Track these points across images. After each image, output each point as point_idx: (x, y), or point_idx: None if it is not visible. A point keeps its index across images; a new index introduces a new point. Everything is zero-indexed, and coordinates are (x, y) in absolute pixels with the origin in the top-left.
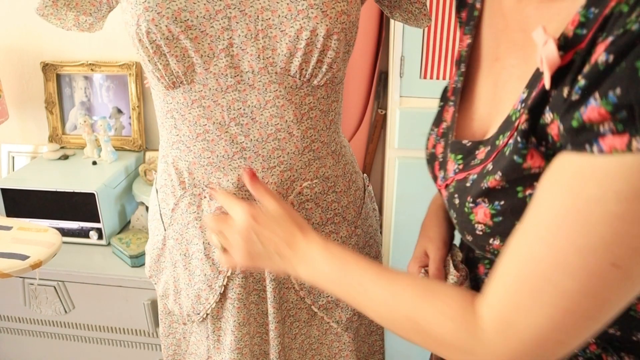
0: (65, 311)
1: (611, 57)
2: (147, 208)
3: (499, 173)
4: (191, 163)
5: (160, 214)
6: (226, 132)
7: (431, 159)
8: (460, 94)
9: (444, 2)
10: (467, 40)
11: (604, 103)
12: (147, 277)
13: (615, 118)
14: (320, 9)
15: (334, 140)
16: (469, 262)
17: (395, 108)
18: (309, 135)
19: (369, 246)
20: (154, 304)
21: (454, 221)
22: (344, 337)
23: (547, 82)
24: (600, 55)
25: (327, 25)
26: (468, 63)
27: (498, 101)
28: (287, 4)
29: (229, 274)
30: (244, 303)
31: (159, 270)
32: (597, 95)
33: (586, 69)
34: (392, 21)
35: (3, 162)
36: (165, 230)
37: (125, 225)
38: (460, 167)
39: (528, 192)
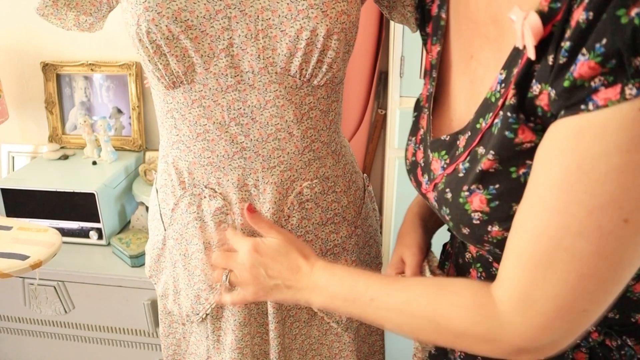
0: (65, 311)
1: (591, 14)
2: (147, 208)
3: (492, 152)
4: (191, 163)
5: (160, 214)
6: (226, 132)
7: (413, 167)
8: (433, 99)
9: None
10: (437, 48)
11: (592, 56)
12: (147, 277)
13: (605, 69)
14: (320, 9)
15: (334, 140)
16: (459, 269)
17: (395, 108)
18: (309, 135)
19: (369, 246)
20: (154, 304)
21: (447, 218)
22: (344, 337)
23: (531, 53)
24: (579, 15)
25: (327, 25)
26: (439, 70)
27: (477, 96)
28: (287, 4)
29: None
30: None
31: (159, 270)
32: (584, 50)
33: (568, 33)
34: (392, 21)
35: (3, 162)
36: (165, 230)
37: (125, 225)
38: (447, 161)
39: (522, 171)
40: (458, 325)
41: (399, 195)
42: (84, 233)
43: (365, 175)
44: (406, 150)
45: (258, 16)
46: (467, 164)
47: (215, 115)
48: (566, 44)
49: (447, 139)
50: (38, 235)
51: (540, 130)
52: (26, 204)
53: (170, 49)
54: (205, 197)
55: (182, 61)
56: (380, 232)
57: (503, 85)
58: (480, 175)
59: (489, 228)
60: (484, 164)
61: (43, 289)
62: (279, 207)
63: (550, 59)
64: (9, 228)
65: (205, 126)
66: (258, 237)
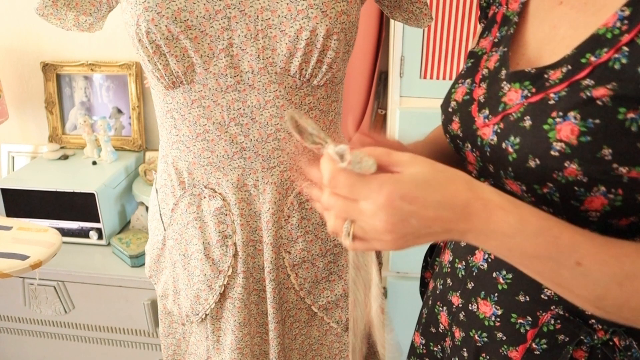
0: (65, 311)
1: None
2: (147, 208)
3: (613, 83)
4: (191, 163)
5: (160, 214)
6: (226, 132)
7: (464, 105)
8: (510, 40)
9: (444, 2)
10: (519, 1)
11: None
12: (147, 277)
13: None
14: (320, 9)
15: (333, 141)
16: (457, 251)
17: (395, 108)
18: None
19: None
20: (154, 304)
21: (512, 149)
22: (344, 338)
23: None
24: None
25: (327, 25)
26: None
27: (559, 39)
28: (287, 4)
29: (229, 273)
30: (244, 303)
31: (158, 270)
32: None
33: None
34: (392, 21)
35: (3, 162)
36: (165, 230)
37: (125, 225)
38: (533, 90)
39: (630, 115)
40: None
41: None
42: (84, 233)
43: None
44: (451, 93)
45: (258, 16)
46: (563, 93)
47: (215, 115)
48: None
49: (533, 71)
50: (38, 235)
51: None
52: (26, 204)
53: (170, 49)
54: (204, 197)
55: (182, 61)
56: None
57: (626, 22)
58: (584, 102)
59: (566, 164)
60: (596, 91)
61: (43, 289)
62: (278, 207)
63: None
64: (9, 228)
65: (205, 126)
66: (392, 173)
